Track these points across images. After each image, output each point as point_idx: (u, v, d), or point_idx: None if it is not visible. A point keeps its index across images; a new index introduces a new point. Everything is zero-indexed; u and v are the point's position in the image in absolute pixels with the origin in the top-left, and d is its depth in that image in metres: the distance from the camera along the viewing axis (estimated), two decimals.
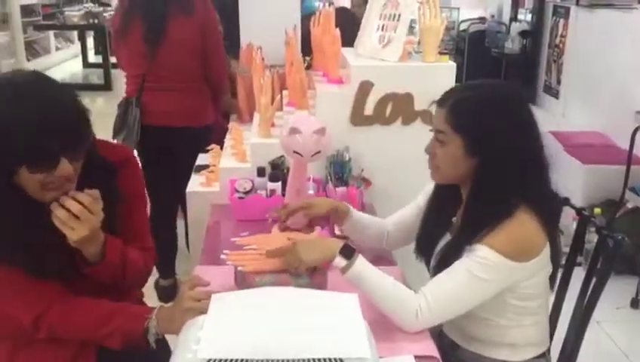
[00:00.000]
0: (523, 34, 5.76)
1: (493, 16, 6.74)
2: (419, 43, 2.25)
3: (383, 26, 2.21)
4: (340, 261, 1.43)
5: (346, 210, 1.73)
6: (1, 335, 1.41)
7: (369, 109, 2.17)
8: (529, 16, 5.93)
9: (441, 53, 2.18)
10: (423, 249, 1.63)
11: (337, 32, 2.22)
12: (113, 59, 3.25)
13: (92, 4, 9.26)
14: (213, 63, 2.83)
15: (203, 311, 1.24)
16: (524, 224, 1.39)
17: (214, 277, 1.50)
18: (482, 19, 6.83)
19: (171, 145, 2.76)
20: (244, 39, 3.49)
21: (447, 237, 1.55)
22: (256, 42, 2.86)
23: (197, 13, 2.70)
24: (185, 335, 1.20)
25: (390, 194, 2.17)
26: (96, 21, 8.34)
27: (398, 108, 2.17)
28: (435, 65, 2.15)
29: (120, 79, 3.22)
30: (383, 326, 1.39)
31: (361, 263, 1.44)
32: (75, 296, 1.36)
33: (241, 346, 1.11)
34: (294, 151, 1.72)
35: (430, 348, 1.40)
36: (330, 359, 1.11)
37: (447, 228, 1.57)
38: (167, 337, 1.43)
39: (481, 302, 1.42)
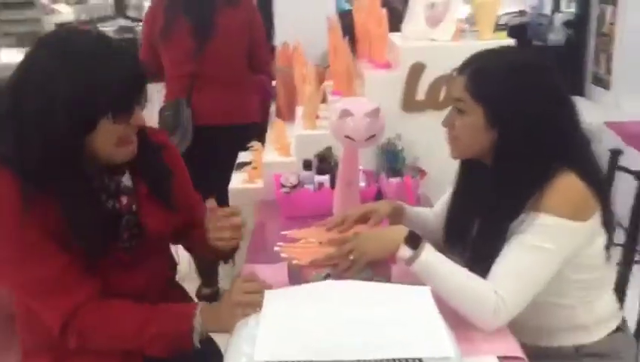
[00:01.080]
0: (567, 24, 5.53)
1: (533, 7, 6.52)
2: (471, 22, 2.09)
3: (432, 4, 2.05)
4: (404, 251, 1.28)
5: (401, 209, 1.59)
6: (39, 345, 1.30)
7: (421, 94, 2.02)
8: (573, 6, 5.70)
9: (497, 30, 2.01)
10: (455, 237, 1.48)
11: (384, 12, 2.08)
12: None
13: (124, 20, 9.34)
14: (261, 54, 2.84)
15: (254, 305, 1.14)
16: (570, 182, 1.28)
17: (264, 276, 1.36)
18: (522, 12, 6.62)
19: (217, 144, 2.69)
20: (280, 39, 3.43)
21: (478, 223, 1.40)
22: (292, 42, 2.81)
23: (242, 5, 2.71)
24: (237, 337, 1.07)
25: (447, 184, 2.00)
26: (130, 35, 8.38)
27: None
28: (492, 43, 1.98)
29: (153, 93, 3.18)
30: (456, 322, 1.20)
31: (429, 253, 1.28)
32: (108, 299, 1.24)
33: (302, 348, 0.97)
34: (346, 136, 1.58)
35: (514, 348, 1.22)
36: (407, 359, 0.96)
37: (479, 209, 1.41)
38: (216, 337, 1.32)
39: (550, 278, 1.28)
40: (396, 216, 1.58)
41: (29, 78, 1.16)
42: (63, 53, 1.16)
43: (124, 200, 1.31)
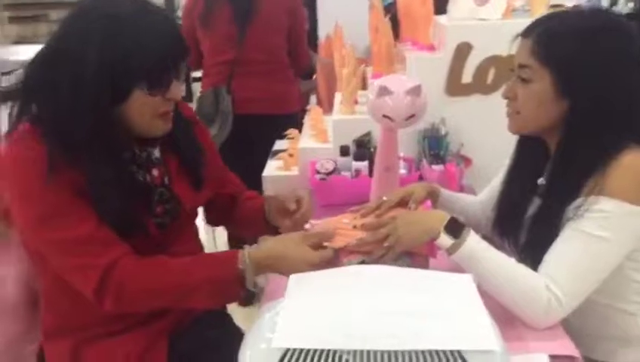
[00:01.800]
0: (628, 17, 5.28)
1: (589, 0, 6.26)
2: None
3: None
4: (445, 240, 1.16)
5: (437, 193, 1.48)
6: (61, 327, 1.25)
7: (467, 76, 1.89)
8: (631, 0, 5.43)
9: (553, 7, 1.87)
10: (507, 223, 1.34)
11: None
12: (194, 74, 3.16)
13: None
14: (300, 40, 2.79)
15: (324, 239, 1.18)
16: (638, 162, 1.13)
17: None
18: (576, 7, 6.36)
19: (256, 134, 2.63)
20: (322, 33, 3.39)
21: (534, 205, 1.27)
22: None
23: None
24: (259, 322, 0.97)
25: (493, 174, 1.86)
26: None
27: (502, 73, 1.87)
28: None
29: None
30: (501, 317, 1.07)
31: (473, 241, 1.16)
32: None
33: (326, 336, 0.87)
34: (384, 116, 1.46)
35: (568, 346, 1.09)
36: (444, 352, 0.84)
37: (534, 192, 1.29)
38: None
39: (609, 273, 1.14)
40: (434, 199, 1.46)
41: (64, 42, 1.11)
42: (99, 17, 1.10)
43: (155, 172, 1.24)
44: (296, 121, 2.68)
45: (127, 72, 1.09)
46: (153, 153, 1.25)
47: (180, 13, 3.27)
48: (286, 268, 1.15)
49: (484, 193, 1.53)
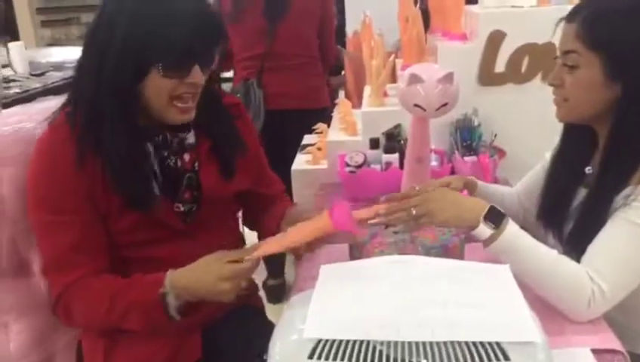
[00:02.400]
0: None
1: None
2: None
3: None
4: (484, 230, 1.12)
5: (474, 185, 1.44)
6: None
7: (500, 65, 1.84)
8: None
9: None
10: (552, 213, 1.29)
11: None
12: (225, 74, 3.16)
13: None
14: (329, 33, 2.77)
15: (245, 254, 1.09)
16: None
17: (325, 257, 1.24)
18: None
19: (287, 129, 2.60)
20: (350, 29, 3.37)
21: (580, 195, 1.23)
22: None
23: None
24: (290, 313, 0.94)
25: (529, 167, 1.80)
26: None
27: (537, 62, 1.82)
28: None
29: None
30: (541, 310, 1.03)
31: (513, 231, 1.11)
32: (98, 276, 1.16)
33: (359, 326, 0.84)
34: (415, 105, 1.43)
35: (611, 341, 1.04)
36: (482, 344, 0.80)
37: (581, 181, 1.24)
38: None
39: None
40: (469, 192, 1.42)
41: (98, 24, 1.12)
42: None
43: (187, 157, 1.23)
44: (326, 116, 2.67)
45: (146, 50, 1.07)
46: (187, 138, 1.24)
47: None
48: (203, 291, 1.09)
49: (520, 184, 1.49)
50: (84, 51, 1.15)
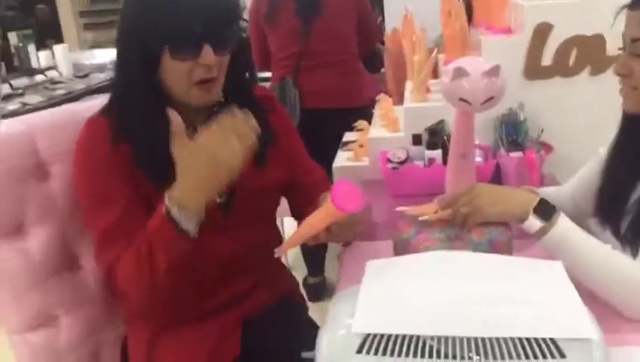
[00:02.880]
0: None
1: None
2: None
3: None
4: (533, 222, 1.09)
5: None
6: (134, 315, 1.27)
7: (547, 58, 1.80)
8: None
9: None
10: (609, 209, 1.24)
11: None
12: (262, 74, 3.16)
13: None
14: (368, 26, 2.78)
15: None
16: None
17: (368, 254, 1.23)
18: None
19: (324, 128, 2.58)
20: (389, 26, 3.35)
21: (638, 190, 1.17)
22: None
23: None
24: (336, 308, 0.94)
25: (577, 162, 1.74)
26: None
27: (585, 54, 1.77)
28: None
29: None
30: (594, 306, 1.00)
31: (564, 225, 1.08)
32: None
33: (408, 321, 0.82)
34: (460, 99, 1.39)
35: None
36: (537, 340, 0.78)
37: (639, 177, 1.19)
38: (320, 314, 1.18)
39: None
40: None
41: (120, 20, 1.16)
42: None
43: None
44: (365, 115, 2.65)
45: (152, 36, 1.09)
46: None
47: (246, 16, 3.31)
48: (202, 175, 1.02)
49: (573, 182, 1.44)
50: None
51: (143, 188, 1.16)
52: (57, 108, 1.42)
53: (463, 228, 1.15)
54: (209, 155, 1.02)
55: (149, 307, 1.21)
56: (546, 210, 1.09)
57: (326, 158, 2.25)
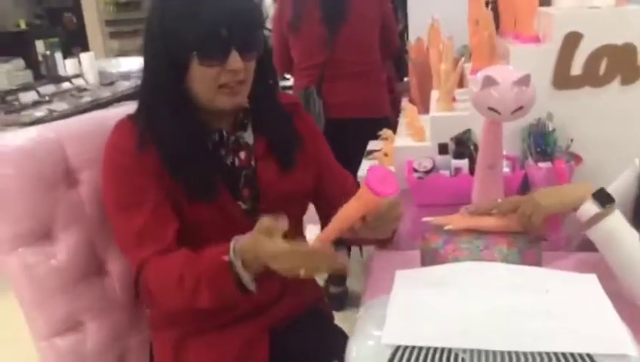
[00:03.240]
0: None
1: None
2: None
3: None
4: (590, 207, 1.07)
5: None
6: (163, 318, 1.28)
7: (577, 68, 1.76)
8: None
9: None
10: None
11: None
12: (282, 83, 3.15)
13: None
14: (392, 30, 2.78)
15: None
16: None
17: (395, 264, 1.22)
18: None
19: (347, 138, 2.56)
20: (413, 35, 3.33)
21: None
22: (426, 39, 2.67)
23: None
24: (365, 318, 0.93)
25: (607, 174, 1.70)
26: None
27: (616, 64, 1.74)
28: None
29: None
30: (630, 316, 0.97)
31: (618, 217, 1.07)
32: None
33: (439, 333, 0.81)
34: (489, 108, 1.38)
35: None
36: (573, 355, 0.76)
37: None
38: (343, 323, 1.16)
39: None
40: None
41: (146, 27, 1.17)
42: None
43: (243, 155, 1.24)
44: (388, 126, 2.63)
45: (179, 42, 1.10)
46: (243, 136, 1.25)
47: (268, 23, 3.33)
48: (265, 254, 1.02)
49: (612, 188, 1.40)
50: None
51: (170, 189, 1.17)
52: (85, 116, 1.44)
53: (530, 230, 1.14)
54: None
55: (175, 311, 1.23)
56: (604, 197, 1.08)
57: (350, 168, 2.25)
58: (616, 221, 1.07)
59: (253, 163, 1.25)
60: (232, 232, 1.17)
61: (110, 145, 1.19)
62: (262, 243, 1.02)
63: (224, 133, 1.22)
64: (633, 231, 1.06)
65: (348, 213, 1.05)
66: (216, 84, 1.14)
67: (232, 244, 1.05)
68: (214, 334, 1.23)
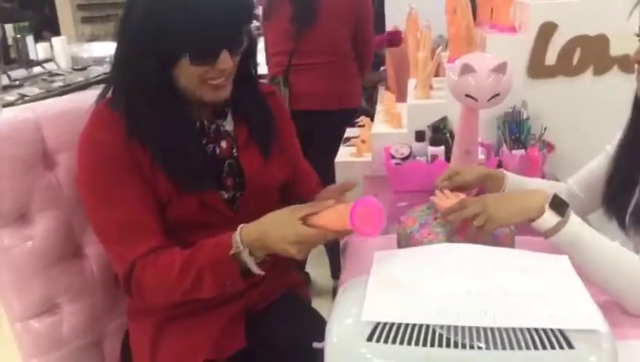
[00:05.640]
0: None
1: None
2: None
3: None
4: (550, 218, 1.07)
5: (501, 176, 1.36)
6: (142, 308, 1.26)
7: (551, 58, 1.81)
8: None
9: None
10: (616, 201, 1.23)
11: None
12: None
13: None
14: (364, 37, 2.71)
15: (316, 211, 1.03)
16: None
17: (371, 248, 1.23)
18: None
19: (315, 130, 2.54)
20: (389, 23, 3.35)
21: None
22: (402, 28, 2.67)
23: None
24: (344, 297, 0.94)
25: (578, 162, 1.75)
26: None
27: (589, 54, 1.78)
28: None
29: None
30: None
31: (576, 221, 1.08)
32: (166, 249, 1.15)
33: (419, 310, 0.83)
34: (467, 95, 1.41)
35: None
36: (545, 330, 0.79)
37: None
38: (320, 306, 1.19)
39: None
40: (494, 184, 1.35)
41: (127, 16, 1.13)
42: None
43: (224, 144, 1.24)
44: (354, 117, 2.54)
45: (168, 42, 1.08)
46: (224, 125, 1.24)
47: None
48: (271, 245, 1.05)
49: (575, 177, 1.43)
50: (117, 44, 1.16)
51: (152, 182, 1.15)
52: (63, 98, 1.42)
53: (478, 239, 1.11)
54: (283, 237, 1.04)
55: (165, 305, 1.22)
56: (560, 206, 1.08)
57: (314, 162, 2.23)
58: (575, 226, 1.07)
59: (235, 152, 1.25)
60: (213, 222, 1.19)
61: (86, 136, 1.16)
62: (269, 231, 1.05)
63: (205, 121, 1.22)
64: (592, 232, 1.08)
65: (326, 225, 1.04)
66: (203, 79, 1.13)
67: (238, 233, 1.08)
68: (192, 318, 1.23)
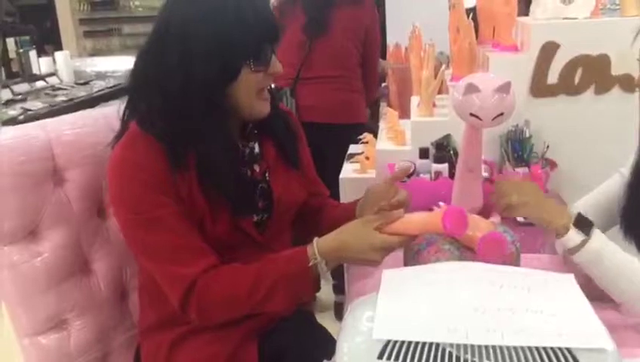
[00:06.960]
0: None
1: None
2: None
3: None
4: (574, 236, 1.10)
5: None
6: (163, 321, 1.26)
7: (553, 77, 1.83)
8: None
9: None
10: (635, 222, 1.23)
11: None
12: None
13: None
14: (371, 57, 2.77)
15: (389, 221, 1.12)
16: None
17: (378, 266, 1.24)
18: None
19: (318, 143, 2.55)
20: (391, 40, 3.37)
21: None
22: (404, 43, 2.70)
23: (366, 7, 2.65)
24: (352, 316, 0.95)
25: (580, 179, 1.78)
26: None
27: (590, 73, 1.81)
28: (637, 20, 1.76)
29: None
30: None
31: (599, 238, 1.10)
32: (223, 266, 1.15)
33: (428, 328, 0.84)
34: (471, 114, 1.42)
35: None
36: (553, 349, 0.80)
37: None
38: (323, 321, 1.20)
39: None
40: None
41: (168, 29, 1.12)
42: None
43: (257, 167, 1.25)
44: (357, 133, 2.56)
45: (234, 49, 1.10)
46: (254, 147, 1.26)
47: None
48: (352, 255, 1.12)
49: (590, 197, 1.42)
50: (152, 57, 1.13)
51: (195, 206, 1.14)
52: (74, 115, 1.42)
53: (501, 214, 1.18)
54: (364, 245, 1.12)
55: (227, 320, 1.21)
56: (584, 224, 1.10)
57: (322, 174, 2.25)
58: (599, 243, 1.09)
59: (267, 175, 1.26)
60: (239, 244, 1.20)
61: (123, 158, 1.13)
62: (350, 242, 1.11)
63: (240, 146, 1.23)
64: (613, 247, 1.10)
65: (409, 226, 1.16)
66: (258, 89, 1.15)
67: (314, 246, 1.12)
68: (206, 337, 1.23)
